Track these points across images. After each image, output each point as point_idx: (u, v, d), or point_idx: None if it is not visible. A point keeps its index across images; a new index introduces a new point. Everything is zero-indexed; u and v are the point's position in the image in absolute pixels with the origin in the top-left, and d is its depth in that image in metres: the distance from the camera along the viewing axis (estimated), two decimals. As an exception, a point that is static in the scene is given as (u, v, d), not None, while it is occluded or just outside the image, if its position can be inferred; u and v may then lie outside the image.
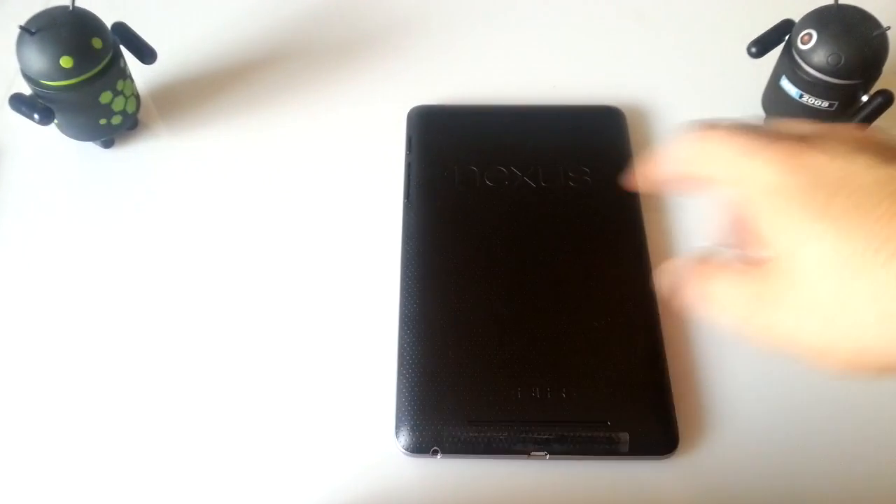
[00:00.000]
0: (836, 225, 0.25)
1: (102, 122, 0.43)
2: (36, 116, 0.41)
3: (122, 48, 0.44)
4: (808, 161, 0.26)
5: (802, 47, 0.41)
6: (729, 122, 0.29)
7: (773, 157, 0.27)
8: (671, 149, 0.31)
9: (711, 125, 0.29)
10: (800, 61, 0.41)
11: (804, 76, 0.41)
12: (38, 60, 0.40)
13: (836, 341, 0.26)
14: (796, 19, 0.42)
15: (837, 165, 0.26)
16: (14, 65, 0.41)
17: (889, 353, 0.25)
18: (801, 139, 0.27)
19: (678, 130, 0.30)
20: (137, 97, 0.46)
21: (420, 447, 0.35)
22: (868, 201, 0.25)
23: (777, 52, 0.43)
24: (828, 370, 0.26)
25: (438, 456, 0.35)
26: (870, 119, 0.41)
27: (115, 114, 0.43)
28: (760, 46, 0.43)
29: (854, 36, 0.40)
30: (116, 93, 0.43)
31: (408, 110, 0.46)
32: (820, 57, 0.40)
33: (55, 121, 0.42)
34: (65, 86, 0.40)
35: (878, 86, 0.41)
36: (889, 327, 0.24)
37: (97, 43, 0.41)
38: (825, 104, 0.41)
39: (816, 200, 0.25)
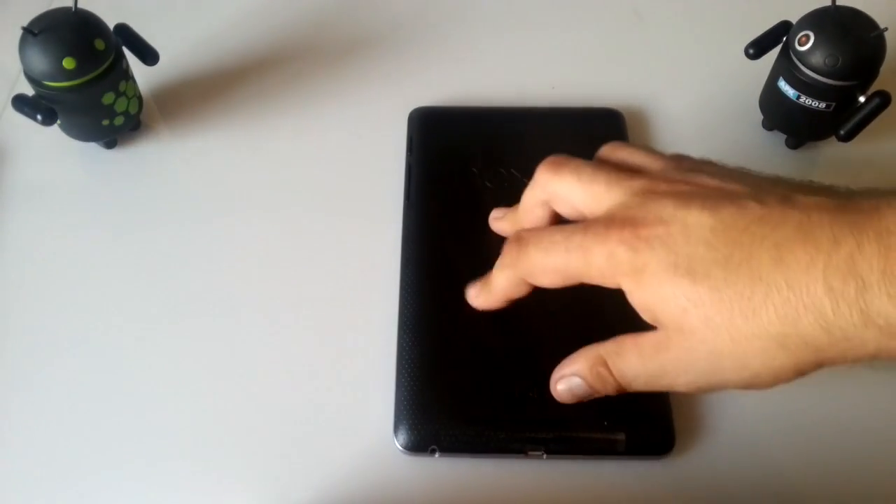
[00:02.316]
0: (706, 285, 0.27)
1: (105, 122, 0.44)
2: (39, 117, 0.41)
3: (125, 49, 0.44)
4: (651, 233, 0.28)
5: (800, 49, 0.41)
6: (532, 233, 0.32)
7: (613, 241, 0.29)
8: (500, 283, 0.33)
9: (516, 242, 0.32)
10: (797, 63, 0.41)
11: (802, 77, 0.41)
12: (40, 61, 0.40)
13: (756, 376, 0.28)
14: (794, 21, 0.42)
15: (677, 228, 0.28)
16: (17, 66, 0.41)
17: (800, 365, 0.27)
18: (626, 219, 0.29)
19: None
20: (140, 98, 0.46)
21: (418, 446, 0.35)
22: (719, 255, 0.27)
23: (774, 53, 0.44)
24: (758, 390, 0.29)
25: (436, 455, 0.35)
26: (867, 120, 0.41)
27: (118, 115, 0.44)
28: (758, 48, 0.43)
29: (851, 37, 0.40)
30: (119, 94, 0.43)
31: (408, 112, 0.47)
32: (817, 58, 0.40)
33: (58, 121, 0.42)
34: (67, 87, 0.41)
35: (875, 87, 0.41)
36: (791, 350, 0.27)
37: (100, 44, 0.41)
38: (822, 105, 0.41)
39: (679, 269, 0.27)
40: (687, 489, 0.35)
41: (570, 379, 0.32)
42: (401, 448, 0.35)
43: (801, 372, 0.28)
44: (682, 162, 0.33)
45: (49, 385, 0.38)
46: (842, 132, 0.41)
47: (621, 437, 0.35)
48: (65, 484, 0.35)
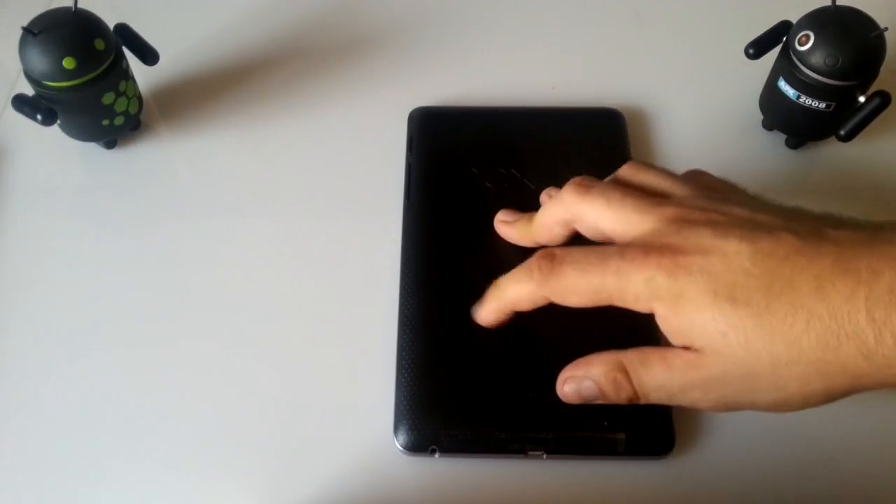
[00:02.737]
0: (747, 312, 0.28)
1: (105, 122, 0.44)
2: (39, 117, 0.41)
3: (125, 49, 0.44)
4: (689, 262, 0.29)
5: (800, 48, 0.41)
6: (566, 252, 0.32)
7: (651, 267, 0.29)
8: (519, 296, 0.34)
9: (548, 258, 0.32)
10: (797, 62, 0.41)
11: (802, 77, 0.41)
12: (40, 61, 0.40)
13: (788, 399, 0.29)
14: (794, 21, 0.42)
15: (717, 258, 0.29)
16: (17, 66, 0.41)
17: (836, 391, 0.29)
18: (664, 247, 0.30)
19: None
20: (140, 98, 0.46)
21: (418, 446, 0.35)
22: (761, 283, 0.28)
23: (775, 53, 0.44)
24: (782, 413, 0.30)
25: (436, 455, 0.35)
26: (867, 120, 0.41)
27: (118, 115, 0.44)
28: (758, 48, 0.43)
29: (851, 37, 0.40)
30: (119, 94, 0.43)
31: (408, 111, 0.47)
32: (817, 58, 0.40)
33: (58, 121, 0.42)
34: (67, 87, 0.41)
35: (875, 87, 0.41)
36: (828, 376, 0.28)
37: (100, 44, 0.41)
38: (822, 105, 0.41)
39: (719, 296, 0.28)
40: (687, 489, 0.35)
41: (581, 381, 0.32)
42: (401, 448, 0.35)
43: (832, 398, 0.29)
44: (707, 188, 0.34)
45: (49, 384, 0.38)
46: (842, 132, 0.41)
47: (621, 437, 0.35)
48: (64, 484, 0.35)
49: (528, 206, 0.40)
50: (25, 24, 0.40)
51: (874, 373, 0.28)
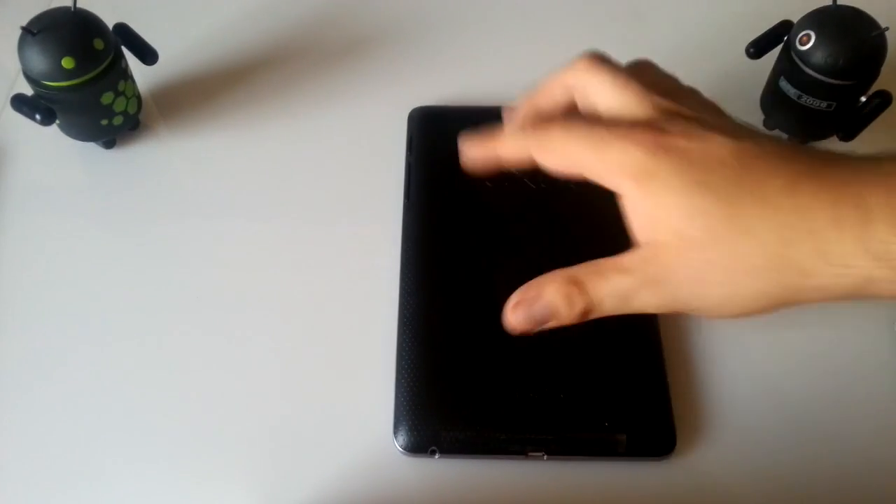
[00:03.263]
0: (716, 197, 0.28)
1: (104, 122, 0.43)
2: (38, 117, 0.41)
3: (124, 49, 0.44)
4: (671, 143, 0.29)
5: (801, 48, 0.41)
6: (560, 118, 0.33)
7: (632, 141, 0.30)
8: (507, 140, 0.34)
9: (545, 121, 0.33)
10: (798, 62, 0.41)
11: (802, 77, 0.41)
12: (39, 61, 0.40)
13: (736, 295, 0.29)
14: (794, 20, 0.42)
15: (697, 145, 0.29)
16: (16, 65, 0.41)
17: (782, 291, 0.29)
18: (650, 125, 0.30)
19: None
20: (139, 98, 0.46)
21: (418, 447, 0.35)
22: (735, 173, 0.29)
23: (775, 52, 0.43)
24: (721, 318, 0.31)
25: (436, 456, 0.35)
26: (868, 119, 0.41)
27: (117, 114, 0.44)
28: (759, 47, 0.43)
29: (852, 37, 0.40)
30: (118, 93, 0.43)
31: (408, 111, 0.46)
32: (818, 58, 0.40)
33: (57, 121, 0.42)
34: (66, 86, 0.41)
35: (876, 86, 0.41)
36: (781, 272, 0.28)
37: (99, 44, 0.41)
38: (823, 105, 0.41)
39: (692, 179, 0.29)
40: (688, 490, 0.35)
41: (533, 302, 0.31)
42: (400, 449, 0.35)
43: (777, 302, 0.29)
44: (706, 102, 0.34)
45: (48, 384, 0.38)
46: (843, 132, 0.41)
47: (622, 438, 0.35)
48: (64, 483, 0.35)
49: (528, 206, 0.40)
50: (24, 23, 0.40)
51: (823, 272, 0.28)
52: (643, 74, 0.34)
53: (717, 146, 0.29)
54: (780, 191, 0.28)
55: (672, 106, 0.31)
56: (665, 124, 0.30)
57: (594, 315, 0.31)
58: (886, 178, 0.28)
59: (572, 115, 0.34)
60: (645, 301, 0.30)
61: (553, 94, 0.35)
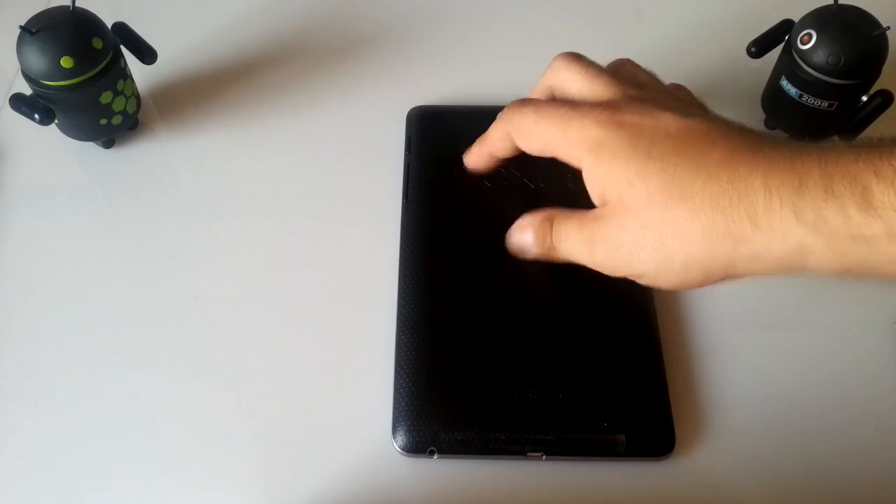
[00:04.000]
0: (657, 165, 0.31)
1: (103, 122, 0.43)
2: (36, 116, 0.41)
3: (123, 48, 0.44)
4: (624, 119, 0.32)
5: (802, 47, 0.41)
6: (535, 100, 0.36)
7: (591, 118, 0.33)
8: (492, 135, 0.38)
9: (520, 103, 0.36)
10: (799, 61, 0.41)
11: (804, 76, 0.41)
12: (38, 60, 0.40)
13: (669, 260, 0.31)
14: (796, 19, 0.42)
15: (648, 121, 0.32)
16: (15, 65, 0.41)
17: (715, 260, 0.30)
18: (609, 104, 0.33)
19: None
20: (138, 97, 0.46)
21: (417, 447, 0.35)
22: (678, 144, 0.31)
23: (776, 52, 0.43)
24: (664, 286, 0.32)
25: (435, 456, 0.35)
26: (869, 119, 0.41)
27: (116, 114, 0.44)
28: (760, 46, 0.43)
29: (853, 36, 0.40)
30: (117, 93, 0.43)
31: (407, 111, 0.46)
32: (819, 57, 0.40)
33: (56, 121, 0.42)
34: (65, 86, 0.41)
35: (877, 86, 0.41)
36: (711, 237, 0.30)
37: (98, 43, 0.41)
38: (825, 104, 0.41)
39: (638, 149, 0.31)
40: (687, 490, 0.35)
41: (524, 229, 0.36)
42: (399, 450, 0.35)
43: (713, 270, 0.31)
44: (681, 95, 0.38)
45: (47, 385, 0.38)
46: (844, 132, 0.41)
47: (621, 438, 0.34)
48: (64, 483, 0.35)
49: (528, 205, 0.40)
50: (23, 23, 0.40)
51: (755, 238, 0.29)
52: (619, 70, 0.37)
53: (665, 121, 0.32)
54: (718, 162, 0.30)
55: (637, 93, 0.34)
56: (623, 103, 0.33)
57: (556, 256, 0.35)
58: (822, 154, 0.29)
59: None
60: (594, 256, 0.33)
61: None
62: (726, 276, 0.31)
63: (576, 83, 0.36)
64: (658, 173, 0.31)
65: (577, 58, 0.36)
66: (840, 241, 0.28)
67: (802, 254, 0.29)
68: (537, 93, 0.38)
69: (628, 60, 0.38)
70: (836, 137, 0.42)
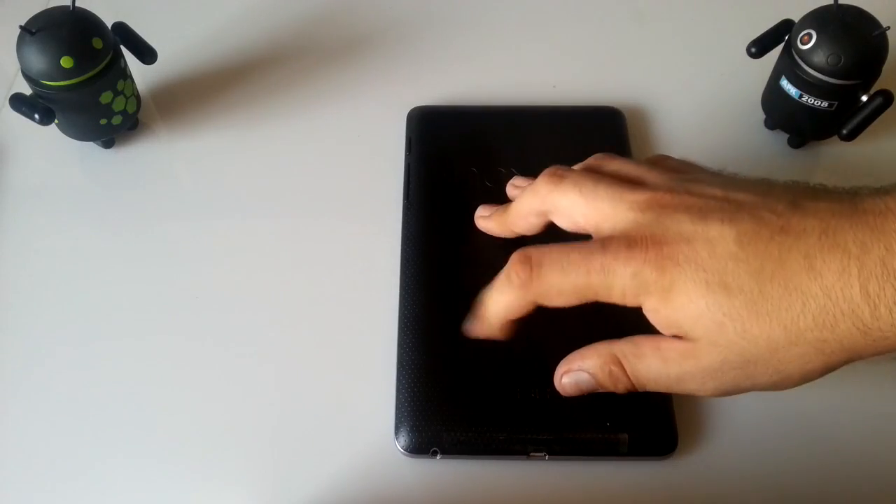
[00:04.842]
0: (742, 299, 0.28)
1: (103, 122, 0.43)
2: (36, 116, 0.41)
3: (123, 48, 0.44)
4: (674, 254, 0.29)
5: (802, 47, 0.41)
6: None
7: (639, 262, 0.29)
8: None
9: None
10: (799, 61, 0.41)
11: (804, 76, 0.41)
12: (38, 60, 0.40)
13: (788, 380, 0.29)
14: (796, 19, 0.42)
15: (699, 247, 0.28)
16: (14, 65, 0.41)
17: (835, 364, 0.28)
18: (645, 239, 0.29)
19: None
20: (138, 97, 0.46)
21: (419, 448, 0.35)
22: (749, 267, 0.28)
23: (777, 52, 0.43)
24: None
25: (438, 457, 0.35)
26: (869, 119, 0.41)
27: (116, 114, 0.44)
28: (760, 46, 0.43)
29: (854, 36, 0.40)
30: (117, 93, 0.43)
31: (407, 111, 0.46)
32: (819, 57, 0.40)
33: (56, 121, 0.42)
34: (65, 86, 0.40)
35: (877, 86, 0.41)
36: (822, 351, 0.28)
37: (97, 43, 0.41)
38: (825, 104, 0.41)
39: (710, 283, 0.28)
40: (689, 490, 0.35)
41: (577, 374, 0.32)
42: (402, 450, 0.35)
43: (830, 370, 0.29)
44: (674, 171, 0.33)
45: (48, 384, 0.38)
46: (844, 131, 0.41)
47: (624, 437, 0.34)
48: (64, 483, 0.35)
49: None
50: (23, 22, 0.40)
51: (869, 346, 0.27)
52: (604, 169, 0.34)
53: (720, 242, 0.28)
54: (803, 273, 0.27)
55: (651, 197, 0.31)
56: (656, 228, 0.29)
57: (640, 390, 0.31)
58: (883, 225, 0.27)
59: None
60: (692, 388, 0.30)
61: (528, 221, 0.35)
62: (850, 363, 0.29)
63: (578, 209, 0.32)
64: (747, 307, 0.28)
65: (560, 177, 0.33)
66: None
67: None
68: (522, 216, 0.35)
69: (599, 155, 0.35)
70: (836, 137, 0.42)
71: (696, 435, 0.36)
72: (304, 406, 0.37)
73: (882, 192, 0.28)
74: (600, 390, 0.32)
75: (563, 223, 0.33)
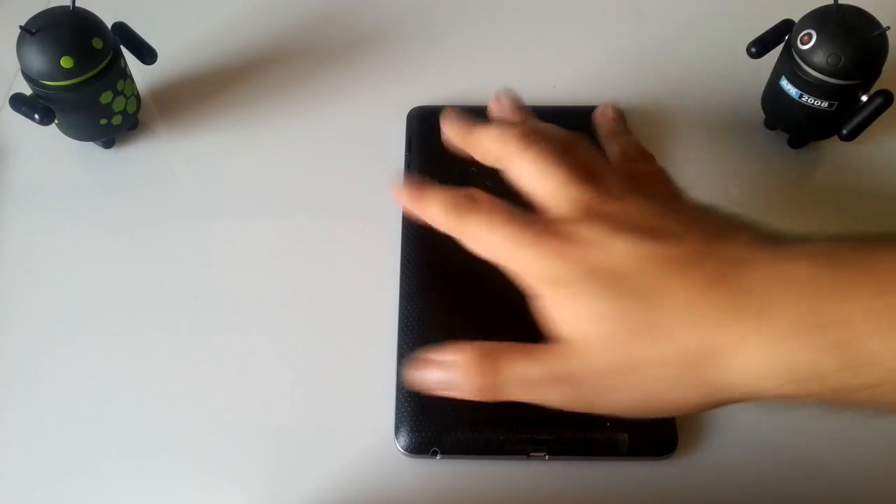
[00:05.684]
0: (616, 305, 0.29)
1: (103, 122, 0.43)
2: (36, 116, 0.41)
3: (123, 48, 0.44)
4: (574, 254, 0.30)
5: (802, 47, 0.41)
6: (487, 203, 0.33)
7: (544, 250, 0.30)
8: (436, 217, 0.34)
9: (471, 202, 0.33)
10: (799, 61, 0.41)
11: (804, 76, 0.41)
12: (38, 60, 0.40)
13: (644, 402, 0.29)
14: (796, 19, 0.42)
15: (601, 253, 0.29)
16: (15, 65, 0.41)
17: (696, 403, 0.29)
18: (559, 232, 0.30)
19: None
20: (138, 97, 0.46)
21: (419, 448, 0.35)
22: (633, 282, 0.29)
23: (777, 52, 0.43)
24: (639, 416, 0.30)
25: (438, 457, 0.35)
26: (869, 119, 0.41)
27: (116, 114, 0.44)
28: (760, 46, 0.43)
29: (854, 36, 0.40)
30: (117, 93, 0.43)
31: (407, 111, 0.46)
32: (819, 57, 0.40)
33: (56, 121, 0.42)
34: (65, 86, 0.40)
35: (877, 86, 0.41)
36: (687, 384, 0.28)
37: (97, 43, 0.41)
38: (825, 104, 0.41)
39: (594, 287, 0.29)
40: (689, 490, 0.35)
41: (440, 366, 0.32)
42: (402, 450, 0.35)
43: (688, 409, 0.29)
44: (635, 178, 0.34)
45: (47, 384, 0.38)
46: (844, 131, 0.41)
47: (624, 437, 0.34)
48: (64, 482, 0.35)
49: (528, 205, 0.40)
50: (23, 23, 0.40)
51: (730, 389, 0.28)
52: (575, 152, 0.34)
53: (617, 255, 0.29)
54: (681, 303, 0.28)
55: (589, 199, 0.31)
56: (575, 227, 0.30)
57: (497, 397, 0.31)
58: (786, 288, 0.27)
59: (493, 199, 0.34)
60: (549, 395, 0.30)
61: (482, 158, 0.36)
62: (722, 405, 0.29)
63: (527, 179, 0.33)
64: (620, 315, 0.29)
65: (531, 141, 0.33)
66: (825, 386, 0.27)
67: (784, 397, 0.28)
68: (481, 153, 0.36)
69: (577, 139, 0.35)
70: (836, 137, 0.42)
71: (696, 435, 0.36)
72: (304, 406, 0.37)
73: (810, 241, 0.29)
74: (453, 390, 0.32)
75: (512, 181, 0.34)
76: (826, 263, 0.27)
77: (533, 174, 0.33)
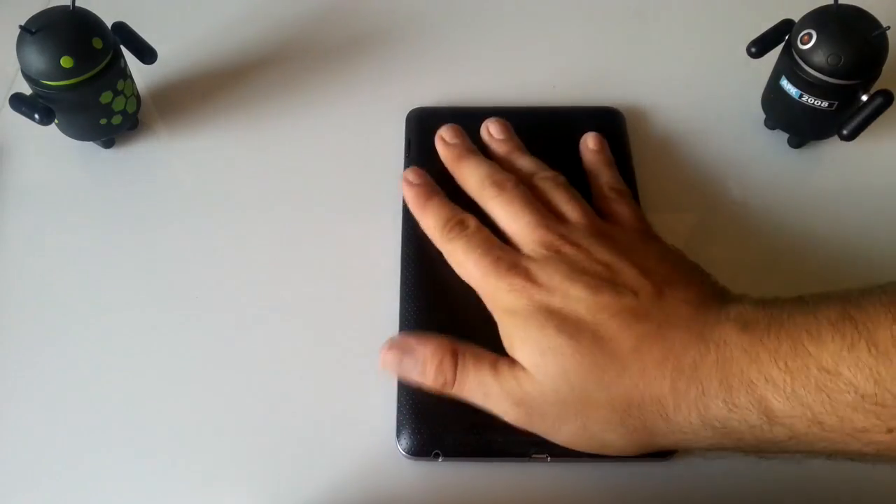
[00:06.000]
0: (568, 343, 0.31)
1: (103, 121, 0.43)
2: (36, 116, 0.41)
3: (123, 48, 0.44)
4: (532, 293, 0.33)
5: (802, 47, 0.41)
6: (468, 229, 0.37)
7: (508, 286, 0.34)
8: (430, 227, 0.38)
9: (457, 225, 0.37)
10: (799, 61, 0.41)
11: (804, 76, 0.41)
12: (38, 60, 0.40)
13: (586, 437, 0.32)
14: (796, 19, 0.42)
15: (558, 297, 0.33)
16: (14, 64, 0.41)
17: (635, 444, 0.32)
18: (525, 271, 0.34)
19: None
20: (138, 97, 0.46)
21: (421, 450, 0.35)
22: (586, 328, 0.32)
23: (777, 52, 0.43)
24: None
25: (440, 459, 0.35)
26: (870, 119, 0.41)
27: (116, 114, 0.43)
28: (760, 46, 0.43)
29: (854, 36, 0.40)
30: (117, 93, 0.43)
31: (407, 112, 0.46)
32: (819, 57, 0.40)
33: (55, 120, 0.42)
34: (65, 86, 0.40)
35: (877, 86, 0.41)
36: (626, 425, 0.31)
37: (97, 43, 0.41)
38: (825, 104, 0.41)
39: (547, 325, 0.32)
40: (689, 490, 0.35)
41: (410, 354, 0.34)
42: (403, 453, 0.35)
43: (638, 451, 0.33)
44: (603, 218, 0.38)
45: (47, 383, 0.38)
46: (844, 131, 0.41)
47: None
48: (64, 482, 0.35)
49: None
50: (23, 22, 0.40)
51: (671, 435, 0.31)
52: (550, 193, 0.38)
53: (574, 301, 0.32)
54: (630, 352, 0.31)
55: (553, 241, 0.35)
56: (537, 268, 0.34)
57: (454, 393, 0.34)
58: (718, 349, 0.30)
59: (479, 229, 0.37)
60: (505, 410, 0.33)
61: (464, 187, 0.40)
62: (665, 449, 0.33)
63: (500, 218, 0.37)
64: (572, 354, 0.31)
65: (502, 187, 0.38)
66: (748, 439, 0.30)
67: (720, 448, 0.31)
68: (461, 181, 0.40)
69: (556, 179, 0.39)
70: (836, 137, 0.42)
71: (696, 435, 0.36)
72: (305, 408, 0.37)
73: (743, 302, 0.32)
74: (417, 378, 0.34)
75: (489, 218, 0.38)
76: (741, 329, 0.30)
77: (505, 216, 0.37)
